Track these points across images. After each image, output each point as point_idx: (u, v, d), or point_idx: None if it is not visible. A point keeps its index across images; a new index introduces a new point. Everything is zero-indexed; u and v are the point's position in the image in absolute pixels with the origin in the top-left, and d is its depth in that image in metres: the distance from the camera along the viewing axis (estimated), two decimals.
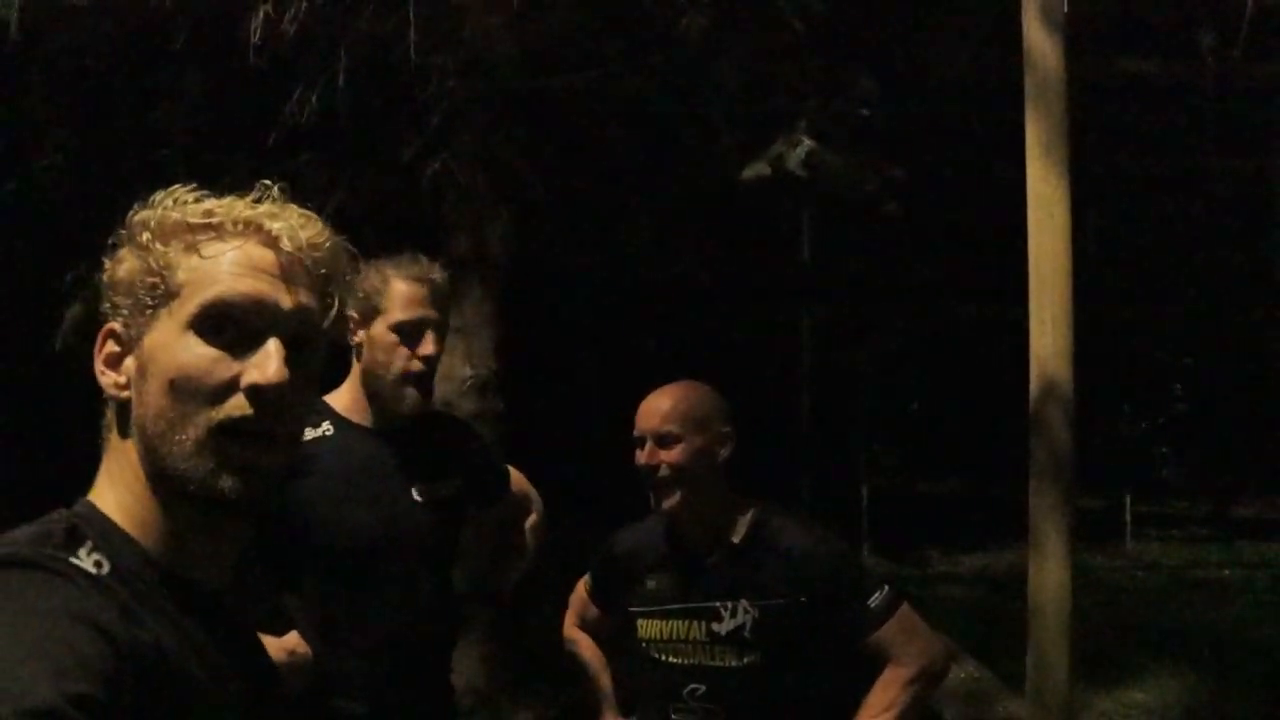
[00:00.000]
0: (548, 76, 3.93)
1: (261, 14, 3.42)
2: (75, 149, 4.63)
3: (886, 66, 4.25)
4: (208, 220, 0.88)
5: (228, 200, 0.90)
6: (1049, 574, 3.16)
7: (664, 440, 1.94)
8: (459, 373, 4.10)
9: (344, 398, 1.98)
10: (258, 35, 3.44)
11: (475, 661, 4.08)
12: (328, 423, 1.93)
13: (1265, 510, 10.65)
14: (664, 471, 1.93)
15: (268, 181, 0.93)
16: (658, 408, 1.96)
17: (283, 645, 1.76)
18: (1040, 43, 3.31)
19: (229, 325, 0.86)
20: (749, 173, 3.62)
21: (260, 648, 1.00)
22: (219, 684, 0.83)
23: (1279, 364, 10.89)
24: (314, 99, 3.64)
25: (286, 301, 0.88)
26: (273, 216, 0.89)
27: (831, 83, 3.75)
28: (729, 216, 5.67)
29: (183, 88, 4.26)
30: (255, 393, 0.84)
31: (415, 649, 1.94)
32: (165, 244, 0.87)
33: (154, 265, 0.87)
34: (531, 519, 2.28)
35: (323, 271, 0.91)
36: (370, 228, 3.92)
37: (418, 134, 3.81)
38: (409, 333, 1.92)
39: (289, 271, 0.89)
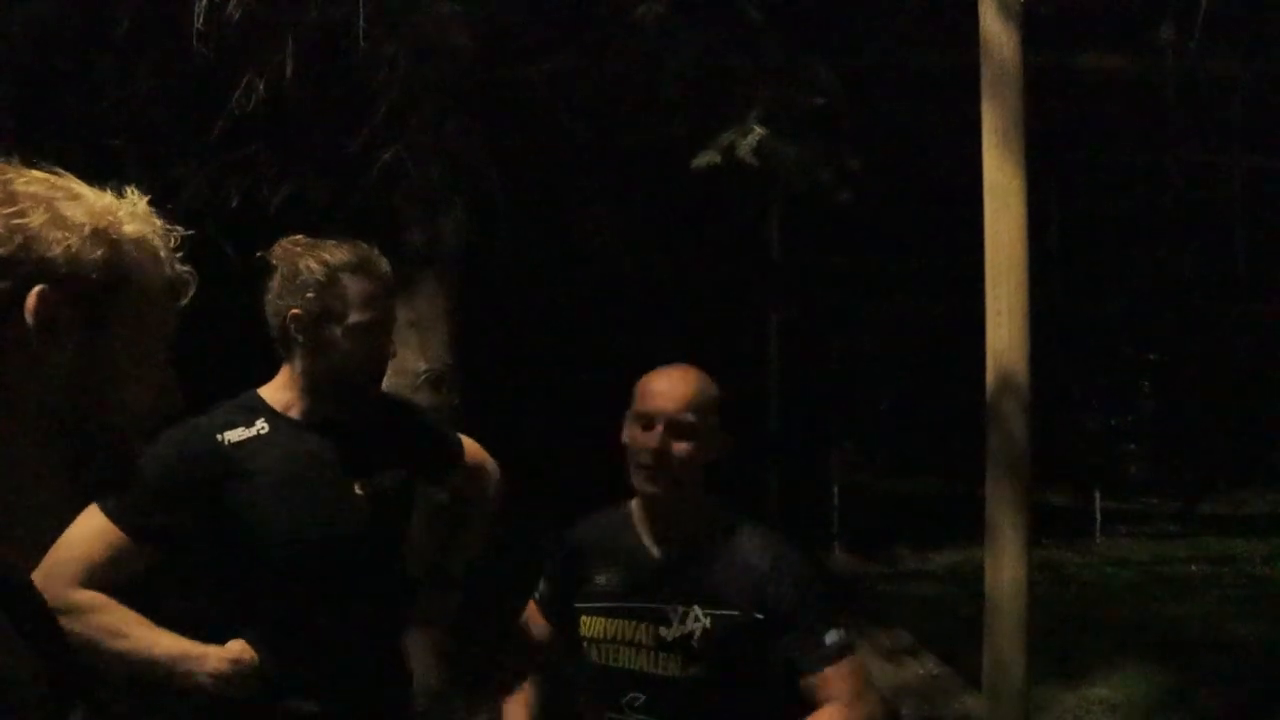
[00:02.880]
0: (502, 66, 3.87)
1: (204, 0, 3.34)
2: (21, 137, 4.52)
3: (845, 56, 4.22)
4: None
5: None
6: (1005, 570, 3.13)
7: (681, 429, 1.81)
8: (413, 367, 4.02)
9: (278, 392, 1.93)
10: (200, 21, 3.36)
11: (429, 660, 4.00)
12: (262, 419, 1.88)
13: (1231, 507, 10.72)
14: (672, 463, 1.79)
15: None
16: (678, 391, 1.83)
17: (227, 653, 1.74)
18: (997, 32, 3.31)
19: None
20: (699, 161, 3.57)
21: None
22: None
23: (1245, 361, 10.98)
24: (261, 88, 3.56)
25: None
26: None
27: (788, 72, 3.71)
28: (693, 211, 5.63)
29: (131, 76, 4.16)
30: None
31: (366, 644, 1.91)
32: None
33: None
34: (488, 488, 2.25)
35: None
36: (323, 219, 3.85)
37: (368, 124, 3.74)
38: (370, 331, 1.89)
39: None
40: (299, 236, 1.92)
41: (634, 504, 1.93)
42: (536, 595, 2.06)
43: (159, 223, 0.94)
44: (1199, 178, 9.03)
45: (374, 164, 3.75)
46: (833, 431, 10.19)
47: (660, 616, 1.81)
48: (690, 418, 1.80)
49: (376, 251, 1.91)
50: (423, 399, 4.03)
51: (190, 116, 3.98)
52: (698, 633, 1.78)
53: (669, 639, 1.80)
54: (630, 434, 1.85)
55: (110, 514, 1.74)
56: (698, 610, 1.79)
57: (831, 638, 1.78)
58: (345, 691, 1.86)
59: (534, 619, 2.05)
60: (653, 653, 1.81)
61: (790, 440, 9.28)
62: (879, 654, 5.08)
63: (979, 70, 3.31)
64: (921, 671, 4.59)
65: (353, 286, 1.86)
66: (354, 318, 1.86)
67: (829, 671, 1.77)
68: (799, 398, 9.45)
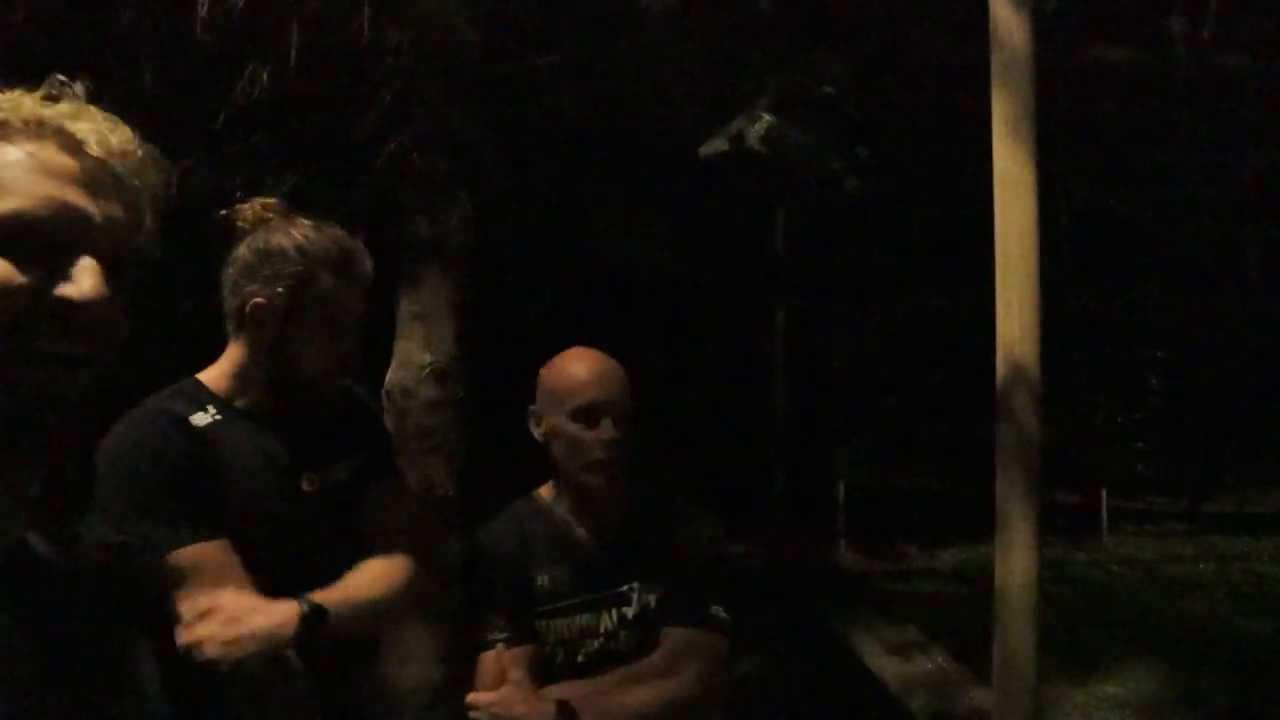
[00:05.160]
0: (507, 56, 3.85)
1: None
2: None
3: (854, 46, 4.20)
4: None
5: (14, 95, 0.79)
6: (1015, 561, 3.10)
7: (623, 414, 1.76)
8: (418, 359, 4.00)
9: (223, 380, 1.72)
10: (205, 10, 3.34)
11: (432, 656, 3.98)
12: (212, 406, 1.68)
13: (1239, 506, 10.69)
14: (619, 450, 1.75)
15: (62, 76, 0.83)
16: (611, 376, 1.79)
17: None
18: (1007, 21, 3.27)
19: (30, 238, 0.74)
20: (707, 149, 3.55)
21: (87, 615, 0.86)
22: (20, 658, 0.73)
23: (1253, 359, 10.93)
24: (265, 77, 3.54)
25: (96, 213, 0.77)
26: (74, 117, 0.79)
27: (796, 61, 3.69)
28: (699, 205, 5.61)
29: (134, 67, 4.15)
30: (69, 309, 0.74)
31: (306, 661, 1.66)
32: None
33: None
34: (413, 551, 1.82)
35: (135, 183, 0.81)
36: (327, 210, 3.83)
37: (372, 114, 3.72)
38: (338, 336, 1.71)
39: (96, 180, 0.78)
40: (273, 201, 1.72)
41: (549, 498, 1.87)
42: (498, 638, 1.78)
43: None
44: (1208, 173, 8.99)
45: (379, 154, 3.72)
46: (838, 429, 10.16)
47: (621, 599, 1.81)
48: (625, 401, 1.78)
49: (360, 245, 1.72)
50: (427, 391, 4.01)
51: (194, 107, 3.95)
52: (652, 603, 1.80)
53: (631, 617, 1.80)
54: (565, 430, 1.77)
55: (185, 539, 1.54)
56: (647, 583, 1.80)
57: (714, 610, 1.78)
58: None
59: (509, 662, 1.75)
60: (617, 634, 1.81)
61: (796, 438, 9.26)
62: (887, 649, 5.06)
63: (987, 61, 3.28)
64: (931, 666, 4.57)
65: (330, 286, 1.67)
66: (325, 321, 1.68)
67: (684, 632, 1.76)
68: (805, 395, 9.43)
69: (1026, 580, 3.10)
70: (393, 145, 3.66)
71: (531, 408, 1.86)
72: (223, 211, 1.70)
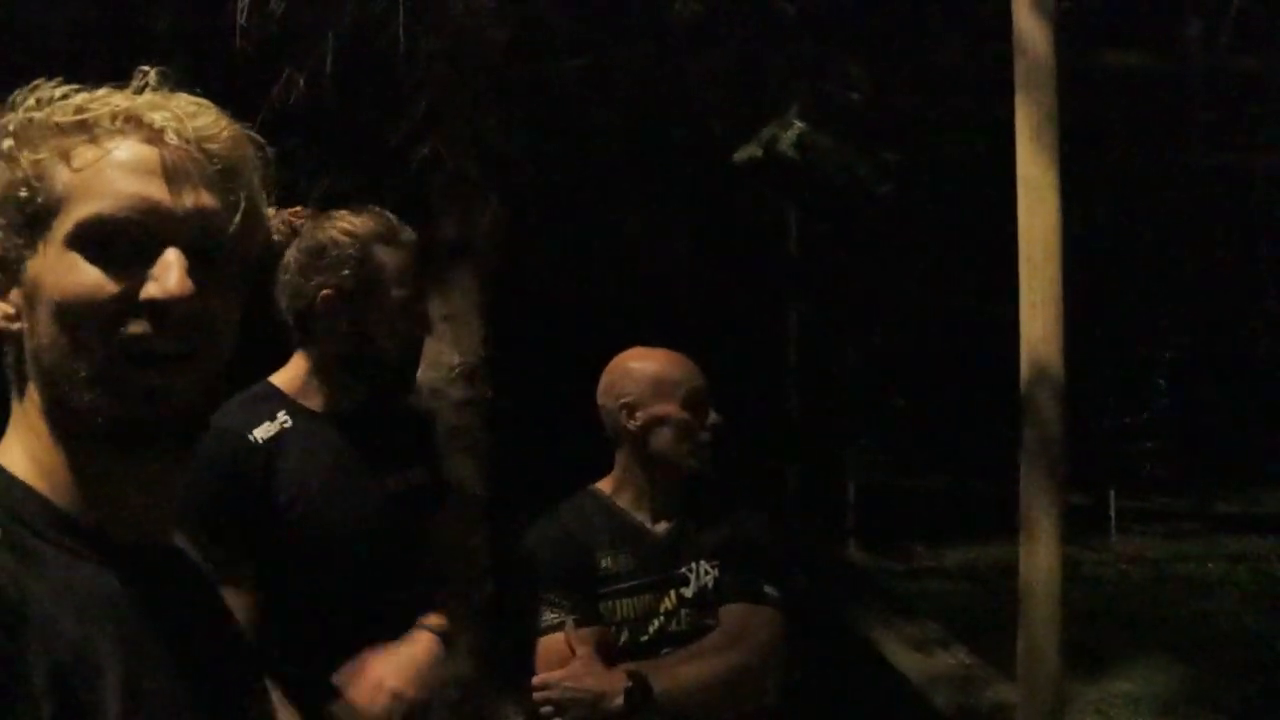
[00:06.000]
0: (537, 60, 3.92)
1: None
2: None
3: (878, 54, 4.26)
4: (80, 119, 0.77)
5: (103, 92, 0.79)
6: (1039, 555, 3.18)
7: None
8: (447, 359, 4.06)
9: (295, 382, 1.76)
10: (244, 16, 3.41)
11: (463, 652, 4.04)
12: (283, 412, 1.71)
13: (1247, 506, 10.70)
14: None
15: (146, 67, 0.82)
16: (694, 365, 1.95)
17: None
18: (1030, 28, 3.34)
19: (118, 239, 0.75)
20: (741, 155, 3.62)
21: (226, 619, 0.89)
22: (153, 657, 0.73)
23: (1261, 359, 10.95)
24: (301, 82, 3.61)
25: (179, 204, 0.76)
26: (154, 107, 0.78)
27: (822, 69, 3.76)
28: (719, 206, 5.66)
29: (170, 72, 4.21)
30: (156, 309, 0.74)
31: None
32: (35, 151, 0.76)
33: (23, 177, 0.75)
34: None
35: (219, 166, 0.79)
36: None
37: (405, 118, 3.79)
38: (408, 308, 1.77)
39: (179, 169, 0.77)
40: (298, 209, 1.78)
41: (609, 490, 1.97)
42: (564, 619, 1.83)
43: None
44: (1220, 175, 9.01)
45: (411, 158, 3.79)
46: (849, 429, 10.19)
47: (680, 580, 1.91)
48: None
49: (396, 217, 1.78)
50: (456, 391, 4.07)
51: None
52: (710, 584, 1.91)
53: (690, 596, 1.91)
54: (676, 417, 1.90)
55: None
56: (705, 564, 1.91)
57: (768, 589, 1.90)
58: None
59: (576, 641, 1.81)
60: (677, 613, 1.90)
61: (808, 436, 9.30)
62: (908, 645, 5.11)
63: (1011, 67, 3.34)
64: (953, 662, 4.62)
65: (388, 259, 1.72)
66: (394, 293, 1.72)
67: (740, 607, 1.88)
68: (817, 394, 9.46)
69: (1050, 575, 3.17)
70: (425, 150, 3.72)
71: (624, 400, 1.92)
72: None
